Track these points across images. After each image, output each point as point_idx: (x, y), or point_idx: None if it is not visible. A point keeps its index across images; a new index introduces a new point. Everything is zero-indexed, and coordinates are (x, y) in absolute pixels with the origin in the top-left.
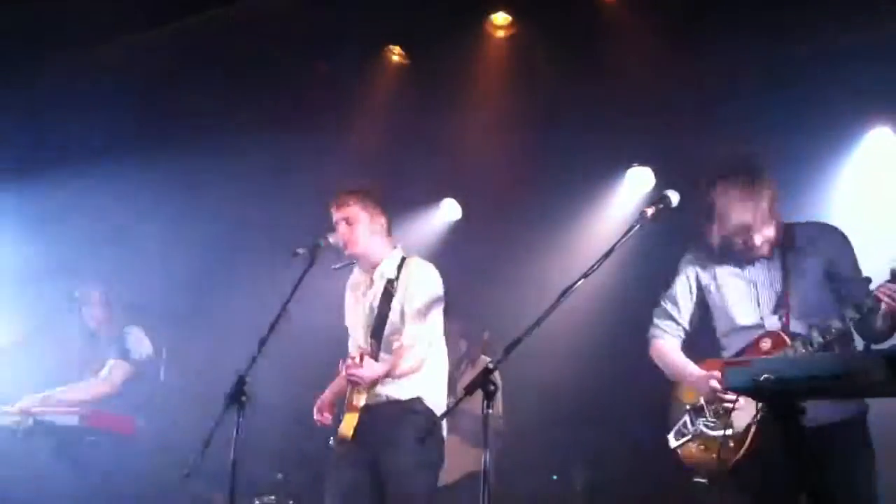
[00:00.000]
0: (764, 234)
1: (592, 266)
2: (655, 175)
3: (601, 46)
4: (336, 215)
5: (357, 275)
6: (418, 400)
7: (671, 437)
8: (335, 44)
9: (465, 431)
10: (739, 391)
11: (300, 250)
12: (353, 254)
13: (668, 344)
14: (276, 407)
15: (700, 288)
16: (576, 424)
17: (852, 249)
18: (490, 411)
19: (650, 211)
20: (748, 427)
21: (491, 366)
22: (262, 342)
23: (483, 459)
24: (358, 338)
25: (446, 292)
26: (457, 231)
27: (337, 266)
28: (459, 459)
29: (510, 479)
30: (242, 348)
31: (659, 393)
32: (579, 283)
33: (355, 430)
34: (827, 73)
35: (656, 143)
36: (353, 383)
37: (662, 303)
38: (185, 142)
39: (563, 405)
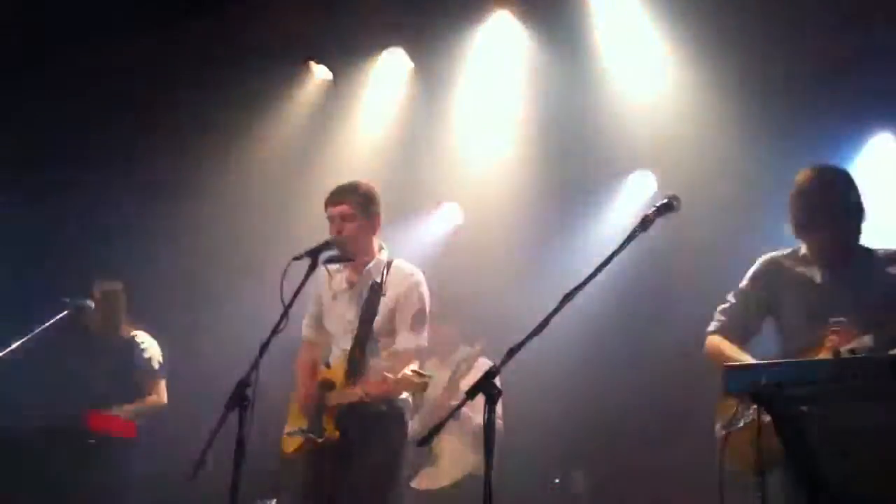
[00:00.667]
0: (842, 244)
1: (595, 270)
2: (657, 179)
3: (602, 49)
4: (331, 211)
5: (339, 269)
6: (392, 403)
7: (718, 426)
8: (335, 46)
9: (465, 434)
10: (740, 394)
11: (302, 254)
12: (344, 252)
13: (723, 337)
14: (276, 409)
15: (770, 284)
16: (577, 427)
17: None
18: (493, 415)
19: (652, 215)
20: None
21: (493, 369)
22: (264, 346)
23: (485, 464)
24: (334, 331)
25: (446, 296)
26: (459, 235)
27: (330, 261)
28: (458, 461)
29: (511, 482)
30: (244, 350)
31: (662, 396)
32: (582, 287)
33: (337, 429)
34: (828, 79)
35: (659, 147)
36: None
37: (728, 298)
38: (181, 145)
39: (565, 408)
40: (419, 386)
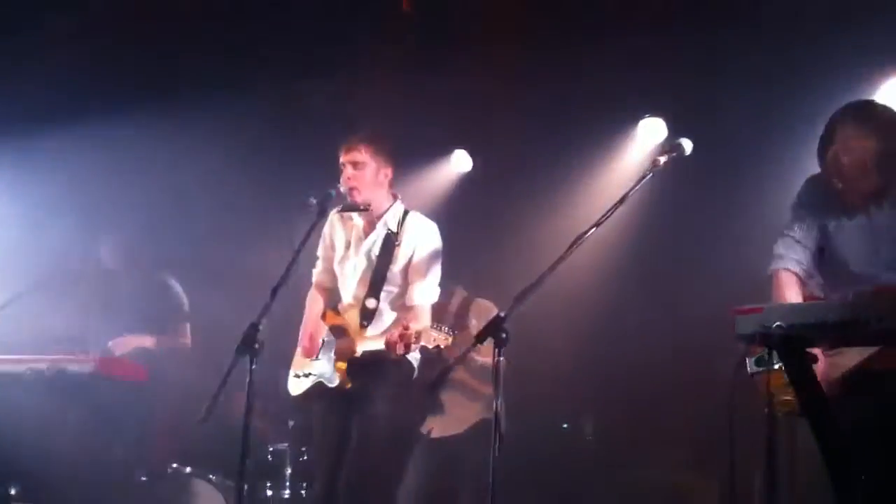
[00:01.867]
0: (890, 183)
1: (604, 215)
2: (668, 125)
3: None
4: (344, 158)
5: (352, 218)
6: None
7: (751, 362)
8: None
9: (476, 380)
10: (750, 339)
11: (311, 200)
12: (357, 201)
13: (791, 276)
14: (284, 355)
15: (818, 210)
16: (587, 373)
17: None
18: (501, 359)
19: (662, 160)
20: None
21: (502, 314)
22: (274, 291)
23: (494, 407)
24: (347, 278)
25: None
26: (467, 182)
27: (344, 209)
28: (471, 407)
29: (521, 429)
30: (254, 296)
31: (673, 342)
32: (590, 232)
33: (349, 376)
34: (839, 24)
35: (668, 93)
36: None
37: (788, 233)
38: (194, 95)
39: (574, 354)
40: (440, 339)
